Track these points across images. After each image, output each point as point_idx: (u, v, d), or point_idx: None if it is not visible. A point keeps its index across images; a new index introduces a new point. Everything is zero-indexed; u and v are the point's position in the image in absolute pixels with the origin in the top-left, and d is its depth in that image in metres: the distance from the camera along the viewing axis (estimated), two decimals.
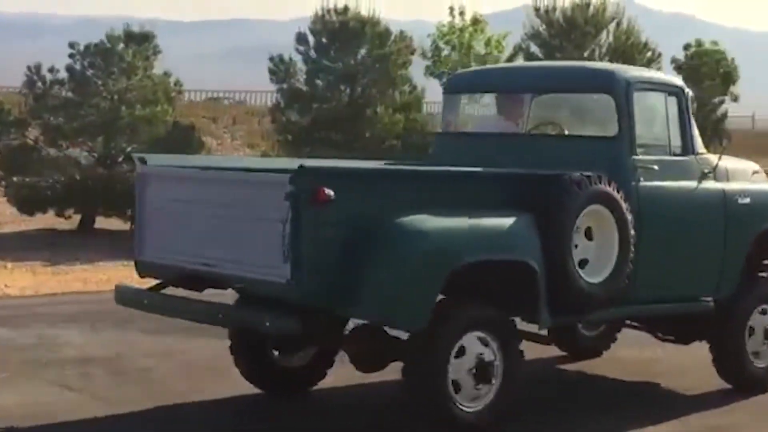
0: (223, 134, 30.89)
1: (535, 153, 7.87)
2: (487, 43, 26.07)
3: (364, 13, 20.89)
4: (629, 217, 7.25)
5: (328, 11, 20.83)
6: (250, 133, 31.69)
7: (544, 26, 22.48)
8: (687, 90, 8.18)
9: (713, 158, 8.28)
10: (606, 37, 22.16)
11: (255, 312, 6.60)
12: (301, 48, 20.72)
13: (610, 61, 21.94)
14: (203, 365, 9.41)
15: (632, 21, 22.22)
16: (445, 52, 26.18)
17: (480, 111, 8.70)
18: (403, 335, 6.76)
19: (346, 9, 20.77)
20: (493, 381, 6.79)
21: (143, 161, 7.41)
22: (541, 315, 6.99)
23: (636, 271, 7.34)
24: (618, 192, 7.23)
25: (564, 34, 22.15)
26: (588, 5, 22.17)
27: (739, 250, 8.24)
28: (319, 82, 20.65)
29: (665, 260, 7.72)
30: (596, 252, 7.19)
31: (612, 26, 22.08)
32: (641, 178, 7.66)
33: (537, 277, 6.83)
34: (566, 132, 8.21)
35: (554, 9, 22.46)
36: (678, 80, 8.41)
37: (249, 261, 6.61)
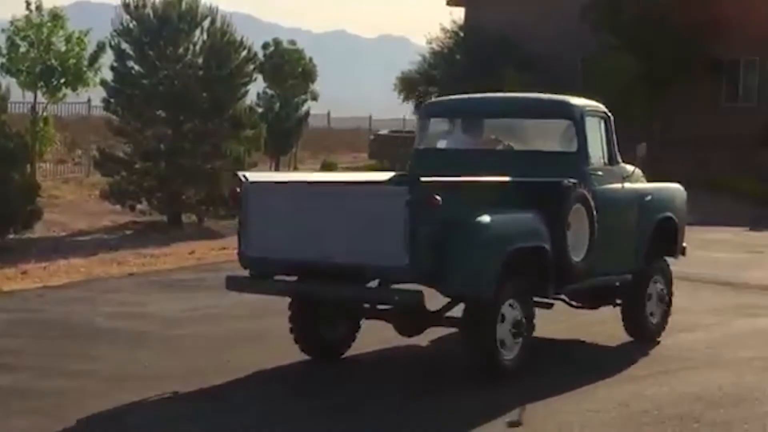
0: None
1: (508, 165, 9.66)
2: (68, 40, 24.69)
3: None
4: (594, 212, 9.39)
5: None
6: None
7: (134, 23, 21.44)
8: (610, 114, 10.28)
9: (629, 167, 10.56)
10: (200, 35, 21.49)
11: (385, 290, 8.59)
12: None
13: (206, 58, 21.34)
14: None
15: (226, 19, 21.69)
16: (22, 49, 24.52)
17: (457, 132, 10.57)
18: (436, 307, 8.95)
19: None
20: (522, 336, 8.86)
21: (246, 178, 9.04)
22: (549, 286, 9.18)
23: (596, 252, 9.44)
24: (588, 193, 9.41)
25: (156, 31, 21.25)
26: (180, 2, 21.38)
27: (646, 235, 10.55)
28: None
29: (610, 244, 9.79)
30: (573, 238, 9.24)
31: (206, 24, 21.44)
32: (594, 183, 9.75)
33: (548, 257, 8.94)
34: (516, 148, 10.29)
35: (144, 5, 21.46)
36: (603, 107, 10.35)
37: (370, 251, 8.37)
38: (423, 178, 8.26)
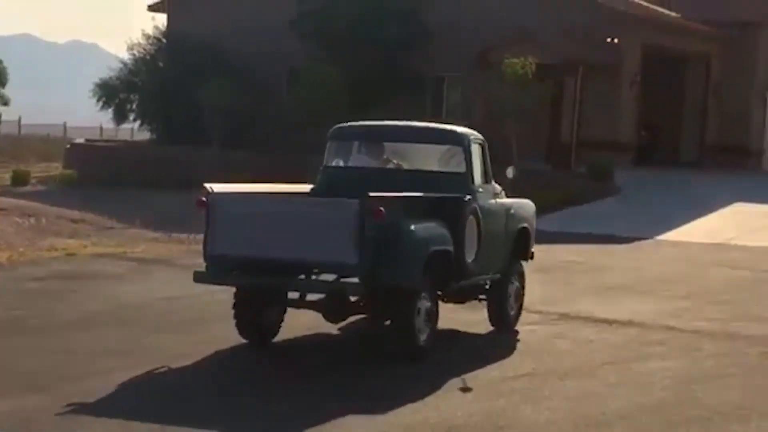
0: None
1: (407, 182, 11.44)
2: None
3: None
4: (481, 222, 11.33)
5: None
6: None
7: None
8: (484, 141, 12.19)
9: (497, 185, 12.45)
10: None
11: (339, 283, 10.55)
12: None
13: None
14: None
15: None
16: None
17: (361, 154, 12.29)
18: (357, 298, 10.92)
19: None
20: (431, 322, 10.72)
21: (211, 189, 10.53)
22: (449, 282, 11.13)
23: (481, 255, 11.41)
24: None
25: None
26: None
27: (510, 242, 12.51)
28: None
29: (489, 248, 11.61)
30: (467, 243, 11.13)
31: None
32: (478, 198, 11.59)
33: (451, 258, 10.83)
34: (411, 168, 12.13)
35: None
36: (481, 135, 12.23)
37: (326, 251, 10.14)
38: (371, 194, 10.06)
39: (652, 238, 22.86)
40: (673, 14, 36.12)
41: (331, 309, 11.11)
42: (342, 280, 10.58)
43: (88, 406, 8.63)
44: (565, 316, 13.76)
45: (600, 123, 31.50)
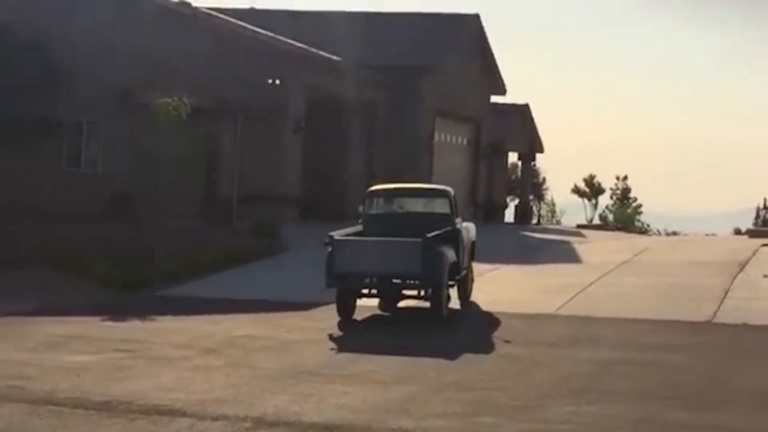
0: None
1: (417, 220, 18.84)
2: None
3: None
4: (463, 241, 18.92)
5: None
6: None
7: None
8: (454, 192, 19.79)
9: (460, 218, 19.68)
10: None
11: (405, 283, 17.55)
12: None
13: None
14: None
15: None
16: None
17: (381, 204, 19.82)
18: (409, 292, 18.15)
19: None
20: (449, 301, 18.10)
21: (333, 236, 17.39)
22: (454, 277, 18.12)
23: (464, 260, 19.01)
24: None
25: None
26: None
27: (468, 250, 19.71)
28: None
29: (465, 255, 19.08)
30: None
31: None
32: (459, 227, 19.06)
33: (455, 264, 18.00)
34: (417, 211, 19.94)
35: None
36: (451, 189, 19.96)
37: (404, 267, 17.09)
38: (428, 234, 17.08)
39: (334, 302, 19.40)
40: (335, 57, 33.51)
41: (392, 297, 18.31)
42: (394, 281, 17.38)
43: None
44: (258, 422, 10.07)
45: (263, 174, 28.15)
